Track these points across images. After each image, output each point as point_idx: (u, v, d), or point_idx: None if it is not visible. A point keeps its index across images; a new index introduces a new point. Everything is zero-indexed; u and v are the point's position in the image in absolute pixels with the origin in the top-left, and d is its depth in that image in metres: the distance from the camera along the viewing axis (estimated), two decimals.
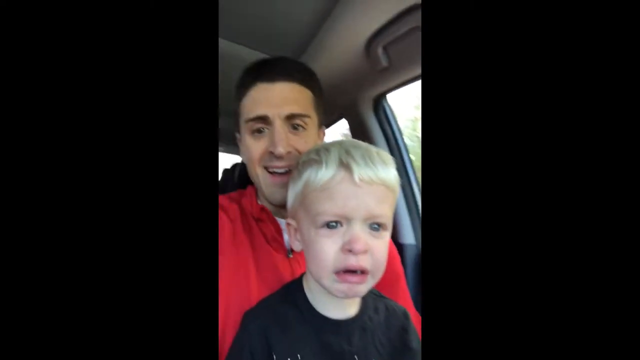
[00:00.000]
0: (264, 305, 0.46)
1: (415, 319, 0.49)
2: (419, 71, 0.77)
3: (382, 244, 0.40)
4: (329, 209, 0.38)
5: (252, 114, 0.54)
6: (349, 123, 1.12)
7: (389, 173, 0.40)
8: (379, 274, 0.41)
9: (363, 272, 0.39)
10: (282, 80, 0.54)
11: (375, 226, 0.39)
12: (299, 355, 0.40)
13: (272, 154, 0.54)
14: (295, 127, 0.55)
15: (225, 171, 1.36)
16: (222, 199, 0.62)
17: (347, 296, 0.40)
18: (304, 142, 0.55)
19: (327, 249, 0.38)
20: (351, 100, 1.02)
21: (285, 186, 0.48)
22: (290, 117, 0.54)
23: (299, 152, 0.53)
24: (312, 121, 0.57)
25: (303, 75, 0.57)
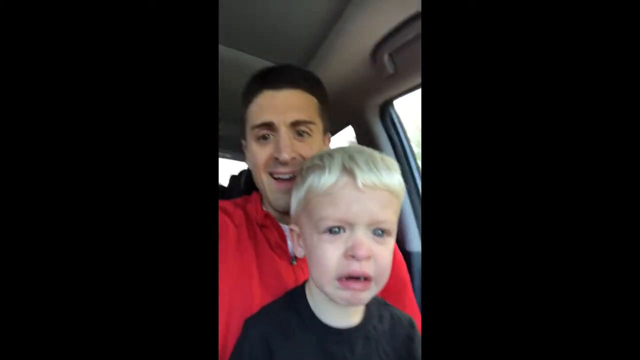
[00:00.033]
0: (265, 312, 0.45)
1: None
2: None
3: (386, 250, 0.39)
4: (331, 214, 0.38)
5: (258, 121, 0.55)
6: (356, 130, 1.13)
7: (393, 178, 0.40)
8: (382, 281, 0.40)
9: (366, 278, 0.38)
10: (287, 88, 0.55)
11: (379, 232, 0.39)
12: None
13: (277, 160, 0.54)
14: (300, 134, 0.56)
15: (233, 177, 1.38)
16: (227, 205, 0.62)
17: (350, 303, 0.39)
18: (309, 148, 0.55)
19: (330, 255, 0.38)
20: (357, 108, 1.02)
21: (289, 192, 0.48)
22: (295, 124, 0.54)
23: (304, 159, 0.53)
24: (317, 128, 0.58)
25: (308, 82, 0.58)
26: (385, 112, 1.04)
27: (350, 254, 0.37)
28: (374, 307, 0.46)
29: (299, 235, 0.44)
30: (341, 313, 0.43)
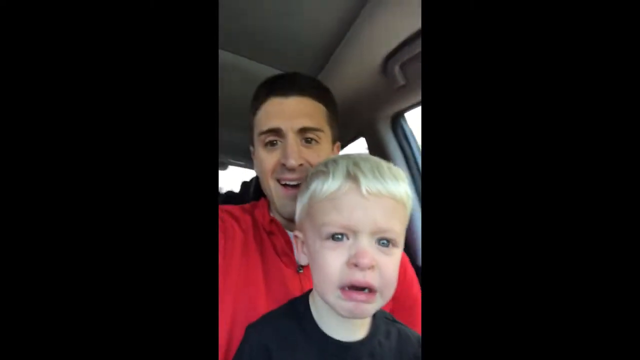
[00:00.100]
0: (267, 319, 0.45)
1: None
2: None
3: (391, 261, 0.38)
4: (334, 219, 0.37)
5: (265, 127, 0.55)
6: (367, 142, 1.12)
7: (399, 187, 0.39)
8: (388, 294, 0.38)
9: (371, 290, 0.37)
10: (295, 95, 0.56)
11: (384, 242, 0.37)
12: None
13: (284, 166, 0.54)
14: (308, 141, 0.56)
15: (244, 184, 1.40)
16: (235, 209, 0.63)
17: (353, 315, 0.38)
18: (316, 155, 0.55)
19: (332, 262, 0.37)
20: (369, 119, 1.02)
21: (296, 199, 0.48)
22: (303, 131, 0.55)
23: (312, 166, 0.53)
24: (326, 135, 0.58)
25: (316, 90, 0.59)
26: (397, 123, 1.03)
27: (353, 262, 0.36)
28: (380, 323, 0.44)
29: (302, 242, 0.43)
30: (345, 326, 0.41)
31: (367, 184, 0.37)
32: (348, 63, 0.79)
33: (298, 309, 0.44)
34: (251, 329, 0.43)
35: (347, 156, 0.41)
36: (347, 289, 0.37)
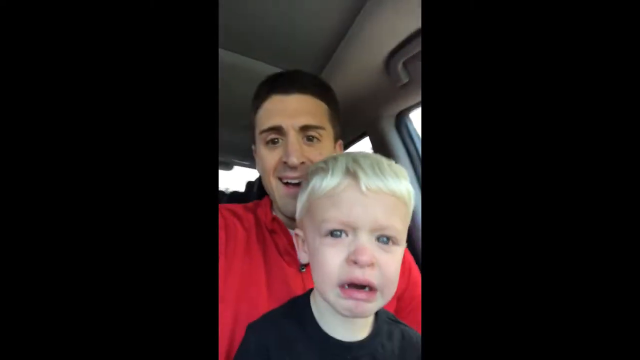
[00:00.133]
0: (268, 318, 0.44)
1: None
2: None
3: (392, 258, 0.37)
4: (333, 216, 0.37)
5: (266, 125, 0.55)
6: (371, 140, 1.12)
7: (400, 185, 0.38)
8: (389, 293, 0.38)
9: (371, 288, 0.36)
10: (296, 92, 0.56)
11: (384, 239, 0.37)
12: None
13: (285, 165, 0.54)
14: (310, 139, 0.56)
15: (249, 183, 1.40)
16: (238, 208, 0.63)
17: (353, 314, 0.37)
18: (318, 153, 0.55)
19: (331, 259, 0.36)
20: (373, 118, 1.02)
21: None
22: (304, 128, 0.55)
23: (313, 163, 0.53)
24: (327, 133, 0.57)
25: (318, 87, 0.58)
26: (402, 122, 1.02)
27: (353, 259, 0.35)
28: (383, 324, 0.43)
29: (303, 241, 0.43)
30: (346, 325, 0.41)
31: (367, 181, 0.36)
32: (351, 62, 0.79)
33: (299, 308, 0.44)
34: (251, 328, 0.43)
35: (348, 153, 0.41)
36: (346, 287, 0.36)
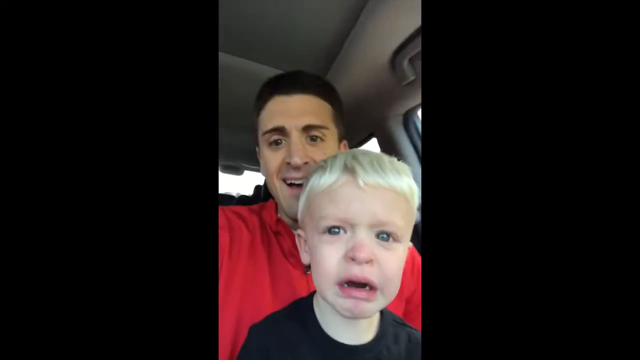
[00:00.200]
0: (270, 320, 0.44)
1: None
2: None
3: (392, 256, 0.36)
4: (331, 212, 0.36)
5: (269, 126, 0.55)
6: (379, 140, 1.10)
7: (401, 180, 0.37)
8: (390, 292, 0.36)
9: (371, 287, 0.35)
10: (299, 93, 0.55)
11: (384, 235, 0.36)
12: None
13: (289, 165, 0.53)
14: (313, 139, 0.55)
15: (257, 187, 1.41)
16: (243, 210, 0.62)
17: (353, 315, 0.36)
18: (322, 153, 0.54)
19: (329, 256, 0.35)
20: (380, 117, 1.00)
21: None
22: (307, 129, 0.54)
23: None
24: (331, 133, 0.57)
25: (321, 88, 0.58)
26: (409, 121, 1.01)
27: (351, 256, 0.34)
28: (388, 326, 0.42)
29: (305, 241, 0.42)
30: (349, 327, 0.39)
31: (365, 176, 0.35)
32: (355, 62, 0.78)
33: (302, 310, 0.43)
34: (254, 329, 0.43)
35: (348, 151, 0.40)
36: (345, 285, 0.35)
